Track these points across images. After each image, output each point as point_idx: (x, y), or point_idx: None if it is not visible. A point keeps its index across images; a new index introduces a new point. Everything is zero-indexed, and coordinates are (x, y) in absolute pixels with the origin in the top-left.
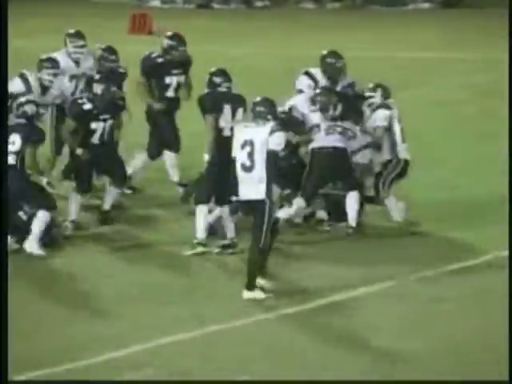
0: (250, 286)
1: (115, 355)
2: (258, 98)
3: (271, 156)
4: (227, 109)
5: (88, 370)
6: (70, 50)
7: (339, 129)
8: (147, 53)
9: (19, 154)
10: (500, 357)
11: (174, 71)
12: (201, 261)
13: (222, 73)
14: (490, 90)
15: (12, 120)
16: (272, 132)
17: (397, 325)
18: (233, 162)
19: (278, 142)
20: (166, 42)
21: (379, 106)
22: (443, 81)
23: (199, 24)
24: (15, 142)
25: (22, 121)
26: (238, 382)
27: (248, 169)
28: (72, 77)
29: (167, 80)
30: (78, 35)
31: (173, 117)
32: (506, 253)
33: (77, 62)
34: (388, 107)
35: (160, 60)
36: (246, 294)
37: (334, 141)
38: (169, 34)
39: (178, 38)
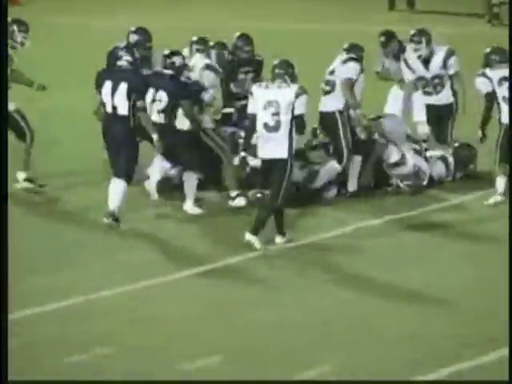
0: (255, 231)
1: None
2: (277, 60)
3: (299, 118)
4: (108, 84)
5: None
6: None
7: None
8: None
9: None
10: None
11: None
12: (73, 232)
13: (123, 48)
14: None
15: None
16: (297, 95)
17: (265, 294)
18: (252, 119)
19: (303, 104)
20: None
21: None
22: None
23: None
24: (162, 98)
25: (169, 72)
26: (238, 382)
27: (272, 129)
28: None
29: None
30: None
31: None
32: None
33: None
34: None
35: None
36: (248, 236)
37: None
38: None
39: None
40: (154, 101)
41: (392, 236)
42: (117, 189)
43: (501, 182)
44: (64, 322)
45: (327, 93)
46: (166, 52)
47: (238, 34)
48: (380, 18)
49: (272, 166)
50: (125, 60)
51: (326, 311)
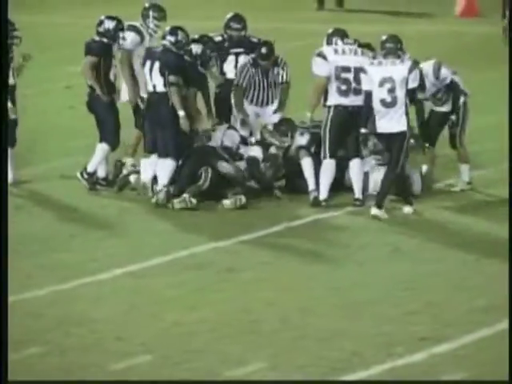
0: (380, 206)
1: None
2: (385, 36)
3: (411, 91)
4: (147, 63)
5: None
6: None
7: None
8: None
9: None
10: (289, 324)
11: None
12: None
13: (171, 29)
14: None
15: None
16: (411, 70)
17: (190, 295)
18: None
19: (416, 79)
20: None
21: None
22: None
23: None
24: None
25: None
26: (237, 382)
27: (389, 104)
28: None
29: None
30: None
31: None
32: (298, 222)
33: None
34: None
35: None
36: (374, 211)
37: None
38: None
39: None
40: None
41: (319, 235)
42: (164, 167)
43: (465, 169)
44: None
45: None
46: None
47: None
48: (309, 17)
49: (391, 139)
50: (167, 40)
51: (255, 309)
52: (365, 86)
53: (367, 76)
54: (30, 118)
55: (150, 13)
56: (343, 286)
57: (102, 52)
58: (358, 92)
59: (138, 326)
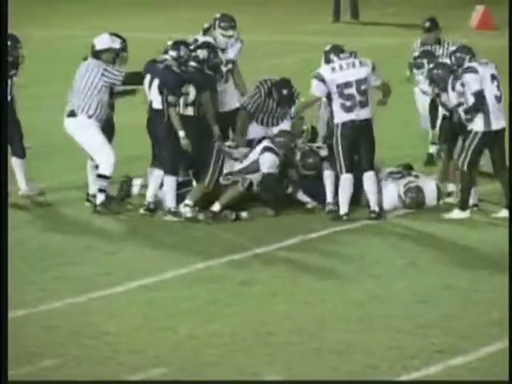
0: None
1: None
2: (455, 46)
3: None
4: (147, 77)
5: None
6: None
7: None
8: None
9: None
10: (305, 336)
11: None
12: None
13: (175, 44)
14: None
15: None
16: (496, 67)
17: (204, 308)
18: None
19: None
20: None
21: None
22: None
23: None
24: (190, 91)
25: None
26: (239, 382)
27: (500, 99)
28: None
29: None
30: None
31: None
32: (313, 235)
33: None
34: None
35: None
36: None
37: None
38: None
39: None
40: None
41: (338, 245)
42: (167, 187)
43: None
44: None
45: None
46: (192, 46)
47: None
48: (324, 30)
49: (496, 136)
50: (169, 55)
51: (269, 322)
52: (474, 86)
53: (478, 75)
54: (45, 131)
55: (217, 23)
56: (358, 300)
57: None
58: (364, 104)
59: (153, 339)
